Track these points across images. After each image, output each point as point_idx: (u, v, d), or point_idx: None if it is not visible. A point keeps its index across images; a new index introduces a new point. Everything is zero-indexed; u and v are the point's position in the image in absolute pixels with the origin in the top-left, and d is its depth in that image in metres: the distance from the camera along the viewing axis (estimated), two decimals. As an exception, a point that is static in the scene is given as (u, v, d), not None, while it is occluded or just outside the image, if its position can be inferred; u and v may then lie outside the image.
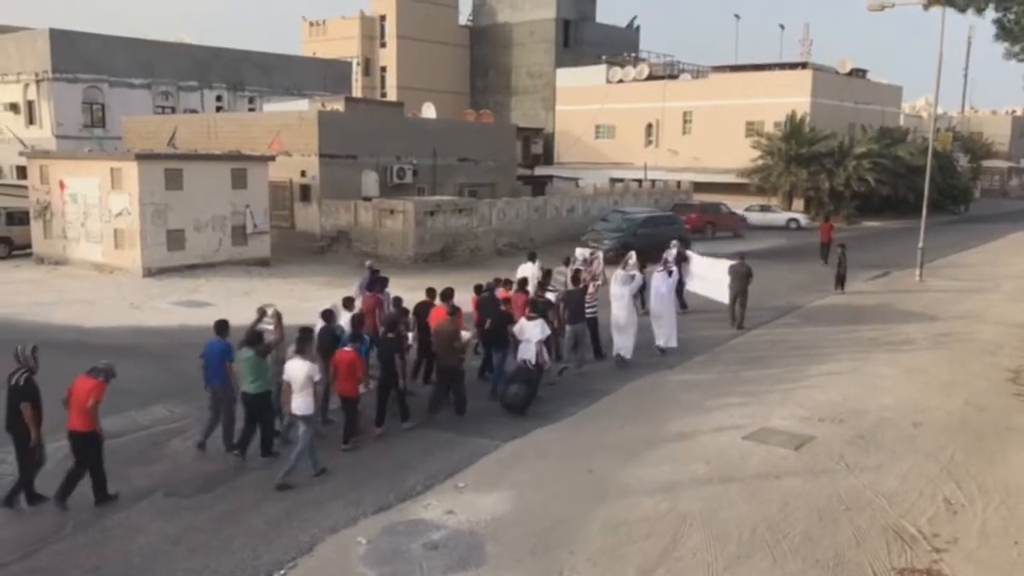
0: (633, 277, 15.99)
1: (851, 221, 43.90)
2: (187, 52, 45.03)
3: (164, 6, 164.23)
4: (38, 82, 40.11)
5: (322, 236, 30.40)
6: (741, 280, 18.75)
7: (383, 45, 60.91)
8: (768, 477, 10.08)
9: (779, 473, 10.20)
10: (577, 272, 16.36)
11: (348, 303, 13.21)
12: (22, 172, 34.61)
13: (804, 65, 50.24)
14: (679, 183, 44.79)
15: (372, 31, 60.84)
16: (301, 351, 10.15)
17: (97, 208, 25.27)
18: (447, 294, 13.49)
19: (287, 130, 31.13)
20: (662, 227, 28.69)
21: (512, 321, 13.35)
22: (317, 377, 10.07)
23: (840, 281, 23.38)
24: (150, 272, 24.25)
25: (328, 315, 12.11)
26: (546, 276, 16.10)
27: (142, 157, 24.98)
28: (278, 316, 11.37)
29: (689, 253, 20.37)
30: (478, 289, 14.53)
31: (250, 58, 47.28)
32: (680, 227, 29.65)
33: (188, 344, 16.29)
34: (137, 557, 8.22)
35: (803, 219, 42.63)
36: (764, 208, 43.33)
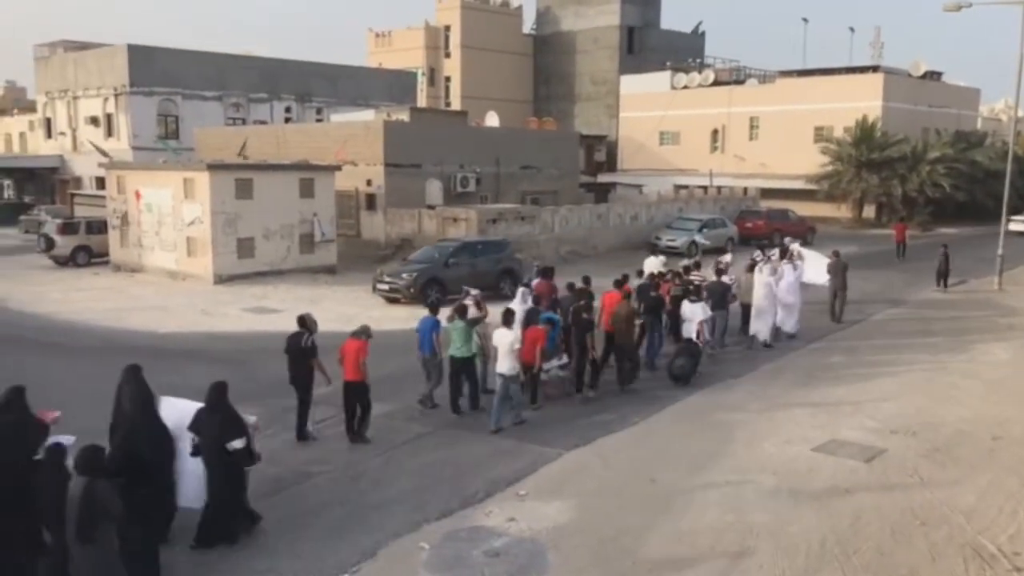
0: (776, 270, 17.75)
1: (925, 228, 42.46)
2: (257, 65, 46.18)
3: (234, 19, 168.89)
4: (116, 96, 41.67)
5: (387, 244, 30.76)
6: (840, 275, 20.01)
7: (447, 55, 61.54)
8: (838, 490, 9.81)
9: (849, 486, 9.92)
10: (721, 268, 18.30)
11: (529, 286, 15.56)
12: (100, 183, 35.89)
13: (875, 68, 49.07)
14: (745, 190, 44.09)
15: (436, 41, 61.53)
16: (507, 323, 12.21)
17: (171, 217, 26.03)
18: (620, 282, 15.24)
19: (353, 140, 31.62)
20: (482, 256, 23.94)
21: (663, 305, 15.54)
22: (518, 346, 12.06)
23: (941, 278, 24.50)
24: (221, 279, 24.86)
25: (537, 300, 14.39)
26: (686, 270, 17.78)
27: (214, 167, 25.64)
28: (480, 296, 14.26)
29: (802, 250, 21.61)
30: (625, 279, 15.99)
31: (317, 70, 48.28)
32: (509, 254, 24.81)
33: (257, 349, 16.71)
34: (202, 556, 8.39)
35: None
36: None
